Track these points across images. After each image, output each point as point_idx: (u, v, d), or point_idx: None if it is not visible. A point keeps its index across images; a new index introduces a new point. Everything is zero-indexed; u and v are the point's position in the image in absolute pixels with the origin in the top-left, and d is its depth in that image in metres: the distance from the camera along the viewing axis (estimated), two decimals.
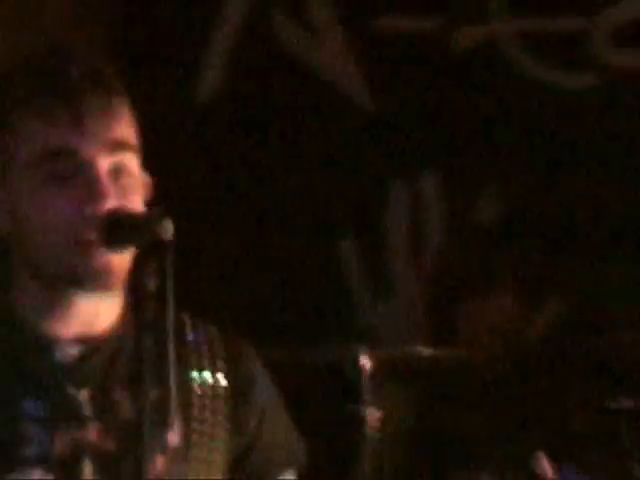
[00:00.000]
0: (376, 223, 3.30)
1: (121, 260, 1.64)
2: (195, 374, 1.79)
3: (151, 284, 1.55)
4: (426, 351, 2.75)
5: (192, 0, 3.34)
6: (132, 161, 1.68)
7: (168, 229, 1.53)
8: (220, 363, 1.79)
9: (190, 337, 1.78)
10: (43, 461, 1.68)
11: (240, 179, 3.24)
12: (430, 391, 3.03)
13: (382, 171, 3.39)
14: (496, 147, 3.24)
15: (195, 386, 1.78)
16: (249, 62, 3.27)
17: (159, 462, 1.60)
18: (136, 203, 1.65)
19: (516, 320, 3.24)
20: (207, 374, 1.80)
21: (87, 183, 1.63)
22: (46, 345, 1.72)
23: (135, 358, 1.64)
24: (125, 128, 1.68)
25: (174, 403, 1.58)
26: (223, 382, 1.79)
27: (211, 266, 3.01)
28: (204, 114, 3.14)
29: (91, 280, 1.68)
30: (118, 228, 1.62)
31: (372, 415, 2.75)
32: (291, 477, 1.84)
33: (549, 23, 3.31)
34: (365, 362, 2.73)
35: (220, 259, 3.09)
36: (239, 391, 1.80)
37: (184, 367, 1.74)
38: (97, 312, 1.73)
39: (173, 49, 3.31)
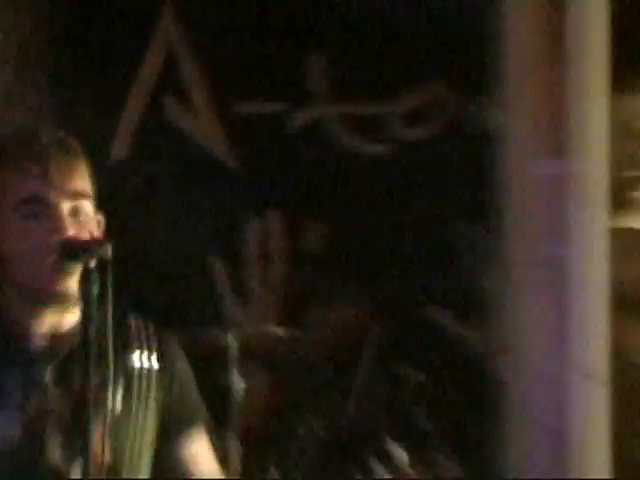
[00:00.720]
0: (238, 248, 3.88)
1: (74, 284, 1.94)
2: (134, 356, 2.13)
3: (95, 290, 1.86)
4: (280, 331, 3.43)
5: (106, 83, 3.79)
6: (87, 205, 2.01)
7: (108, 251, 1.86)
8: (152, 348, 2.15)
9: (131, 329, 2.15)
10: (17, 420, 2.03)
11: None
12: (280, 365, 3.73)
13: (241, 210, 3.89)
14: (323, 195, 3.85)
15: (133, 365, 2.13)
16: (150, 134, 3.83)
17: (103, 424, 1.93)
18: (90, 235, 1.96)
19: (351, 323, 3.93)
20: (144, 356, 2.15)
21: (52, 221, 1.95)
22: (23, 338, 2.07)
23: (83, 347, 1.88)
24: (81, 181, 2.01)
25: (112, 379, 1.93)
26: (154, 362, 2.15)
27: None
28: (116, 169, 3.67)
29: (55, 302, 2.03)
30: (72, 251, 1.92)
31: (238, 385, 3.31)
32: (201, 429, 2.25)
33: (362, 106, 3.90)
34: (232, 342, 3.36)
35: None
36: (166, 368, 2.17)
37: (127, 351, 2.10)
38: (61, 318, 2.07)
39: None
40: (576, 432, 2.96)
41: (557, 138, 2.42)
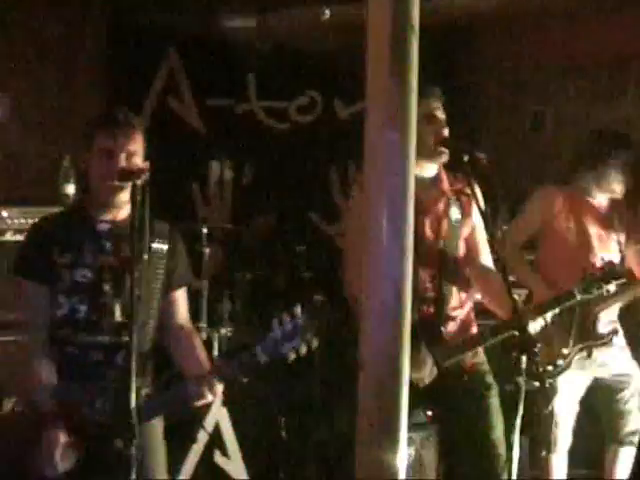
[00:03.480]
0: (205, 176, 5.94)
1: (126, 195, 3.03)
2: (155, 244, 3.23)
3: (137, 199, 2.79)
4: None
5: None
6: (137, 156, 3.17)
7: (145, 177, 2.84)
8: (165, 238, 3.30)
9: (154, 225, 3.19)
10: (90, 270, 3.13)
11: None
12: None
13: (208, 156, 5.90)
14: (256, 149, 6.03)
15: (154, 247, 3.22)
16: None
17: (137, 277, 2.76)
18: (136, 168, 2.98)
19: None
20: (160, 241, 3.27)
21: (114, 160, 3.11)
22: (96, 224, 3.20)
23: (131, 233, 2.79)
24: (135, 143, 3.20)
25: (144, 251, 2.83)
26: (165, 246, 3.28)
27: None
28: None
29: (114, 205, 3.17)
30: (124, 175, 2.97)
31: None
32: (185, 285, 3.36)
33: (275, 102, 6.18)
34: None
35: None
36: (172, 249, 3.30)
37: (152, 238, 3.14)
38: (117, 214, 3.16)
39: None
40: None
41: (393, 117, 2.81)
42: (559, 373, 4.30)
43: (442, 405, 3.81)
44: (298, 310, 3.01)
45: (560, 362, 4.29)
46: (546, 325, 3.85)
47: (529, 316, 3.66)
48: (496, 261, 3.60)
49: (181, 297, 3.39)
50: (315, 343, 2.98)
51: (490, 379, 3.84)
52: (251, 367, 3.01)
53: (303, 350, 2.98)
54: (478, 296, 4.01)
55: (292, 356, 2.99)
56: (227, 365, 3.10)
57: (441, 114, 3.85)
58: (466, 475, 3.81)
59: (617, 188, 4.61)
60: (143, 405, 2.87)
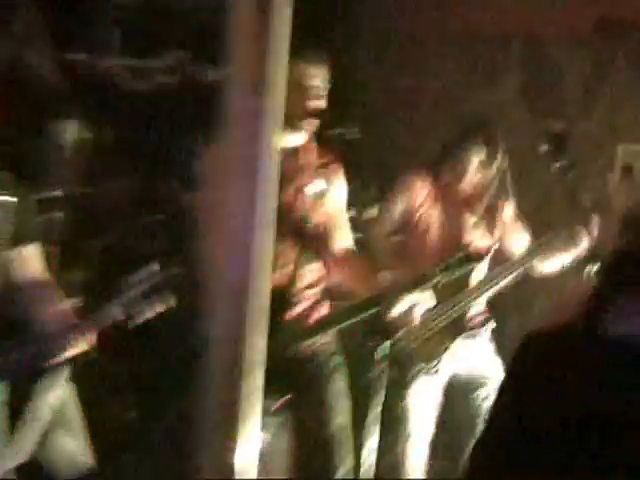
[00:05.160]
0: None
1: None
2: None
3: None
4: None
5: None
6: None
7: None
8: (9, 190, 3.36)
9: None
10: None
11: None
12: None
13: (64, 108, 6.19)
14: (117, 107, 6.14)
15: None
16: None
17: None
18: None
19: None
20: (4, 195, 3.34)
21: None
22: None
23: None
24: None
25: None
26: (11, 198, 3.34)
27: None
28: None
29: None
30: None
31: None
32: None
33: (140, 60, 6.64)
34: None
35: None
36: (20, 200, 3.41)
37: None
38: None
39: None
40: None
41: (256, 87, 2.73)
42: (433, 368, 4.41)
43: (292, 390, 3.86)
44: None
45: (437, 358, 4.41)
46: (412, 308, 3.90)
47: (391, 297, 3.65)
48: (359, 241, 3.61)
49: (34, 254, 3.39)
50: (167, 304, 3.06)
51: (336, 360, 3.87)
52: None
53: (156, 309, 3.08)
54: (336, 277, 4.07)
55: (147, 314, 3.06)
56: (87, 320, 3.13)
57: (316, 82, 3.85)
58: (304, 463, 3.88)
59: (482, 177, 4.74)
60: None
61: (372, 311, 3.34)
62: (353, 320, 3.62)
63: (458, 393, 4.73)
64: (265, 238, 2.81)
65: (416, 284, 3.87)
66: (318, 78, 3.84)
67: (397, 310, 3.79)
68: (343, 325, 3.70)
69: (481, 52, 6.10)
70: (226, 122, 2.81)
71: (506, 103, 6.06)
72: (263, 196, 2.81)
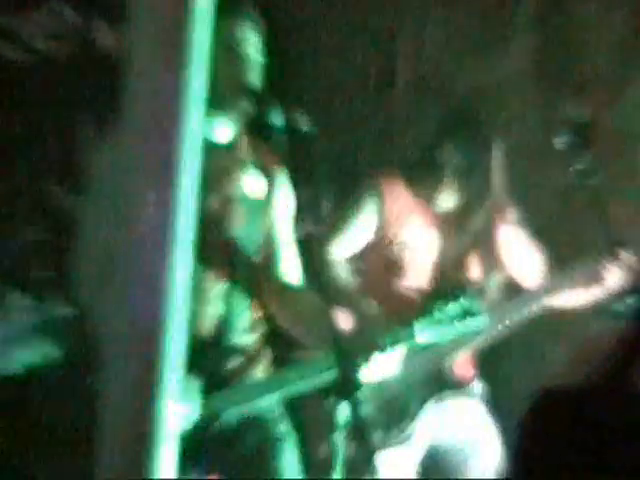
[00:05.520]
0: None
1: None
2: None
3: None
4: None
5: None
6: None
7: None
8: None
9: None
10: None
11: None
12: None
13: None
14: None
15: None
16: None
17: None
18: None
19: None
20: None
21: None
22: None
23: None
24: None
25: None
26: None
27: None
28: None
29: None
30: None
31: None
32: None
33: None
34: None
35: None
36: None
37: None
38: None
39: None
40: None
41: (170, 57, 2.79)
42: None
43: (223, 468, 3.86)
44: None
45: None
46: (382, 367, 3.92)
47: (354, 350, 3.64)
48: (308, 268, 3.64)
49: None
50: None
51: (282, 429, 3.92)
52: None
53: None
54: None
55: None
56: None
57: (250, 49, 3.84)
58: None
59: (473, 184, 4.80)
60: None
61: (328, 371, 3.39)
62: (303, 380, 3.70)
63: (438, 468, 4.78)
64: (182, 265, 2.77)
65: (389, 335, 3.91)
66: (251, 43, 3.85)
67: (361, 367, 3.78)
68: (290, 386, 3.75)
69: (477, 6, 6.06)
70: (130, 105, 2.83)
71: (509, 80, 6.05)
72: (180, 206, 2.78)
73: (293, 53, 6.06)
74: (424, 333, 3.98)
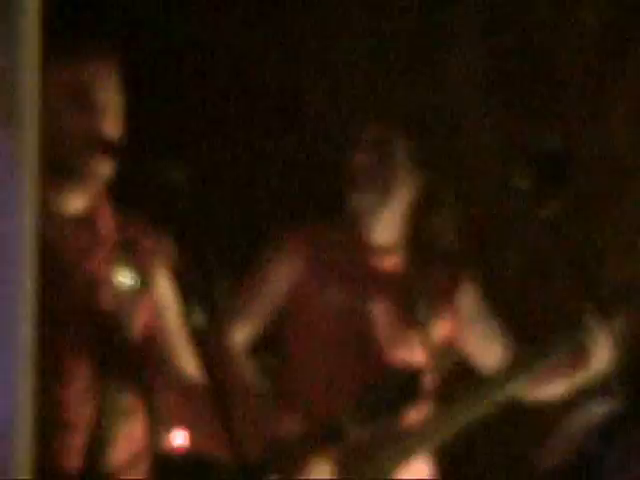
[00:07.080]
0: None
1: None
2: None
3: None
4: None
5: None
6: None
7: None
8: None
9: None
10: None
11: None
12: None
13: None
14: None
15: None
16: None
17: None
18: None
19: None
20: None
21: None
22: None
23: None
24: None
25: None
26: None
27: None
28: None
29: None
30: None
31: None
32: None
33: None
34: None
35: None
36: None
37: None
38: None
39: None
40: None
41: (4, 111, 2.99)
42: None
43: None
44: None
45: None
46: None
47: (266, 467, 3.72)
48: (207, 363, 3.46)
49: None
50: None
51: None
52: None
53: None
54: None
55: None
56: None
57: (103, 94, 3.83)
58: None
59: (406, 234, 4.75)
60: None
61: None
62: None
63: None
64: (24, 367, 2.90)
65: (311, 443, 4.12)
66: (105, 87, 3.81)
67: None
68: None
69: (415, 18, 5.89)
70: None
71: (458, 94, 6.03)
72: (20, 293, 2.93)
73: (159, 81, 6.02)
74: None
